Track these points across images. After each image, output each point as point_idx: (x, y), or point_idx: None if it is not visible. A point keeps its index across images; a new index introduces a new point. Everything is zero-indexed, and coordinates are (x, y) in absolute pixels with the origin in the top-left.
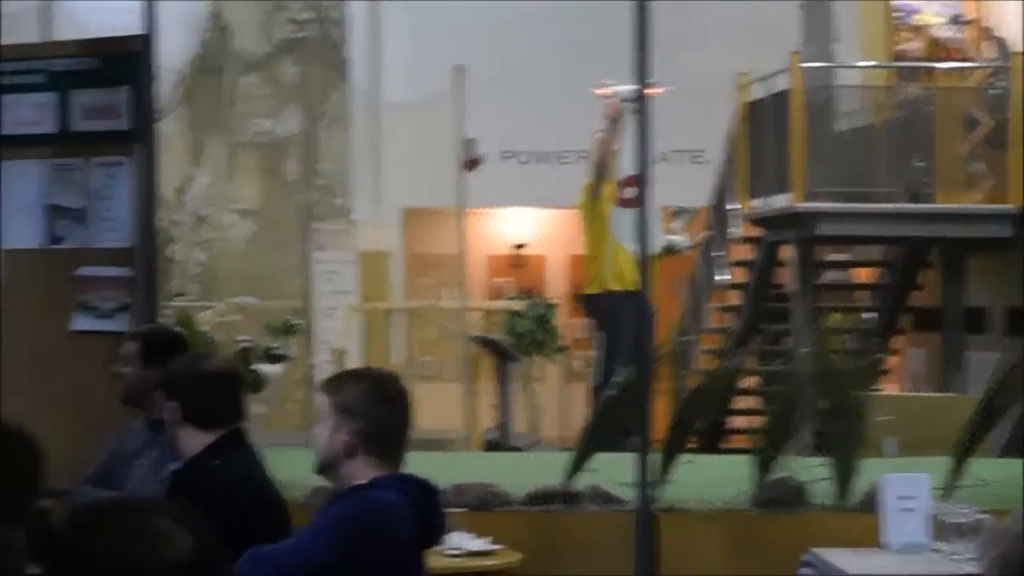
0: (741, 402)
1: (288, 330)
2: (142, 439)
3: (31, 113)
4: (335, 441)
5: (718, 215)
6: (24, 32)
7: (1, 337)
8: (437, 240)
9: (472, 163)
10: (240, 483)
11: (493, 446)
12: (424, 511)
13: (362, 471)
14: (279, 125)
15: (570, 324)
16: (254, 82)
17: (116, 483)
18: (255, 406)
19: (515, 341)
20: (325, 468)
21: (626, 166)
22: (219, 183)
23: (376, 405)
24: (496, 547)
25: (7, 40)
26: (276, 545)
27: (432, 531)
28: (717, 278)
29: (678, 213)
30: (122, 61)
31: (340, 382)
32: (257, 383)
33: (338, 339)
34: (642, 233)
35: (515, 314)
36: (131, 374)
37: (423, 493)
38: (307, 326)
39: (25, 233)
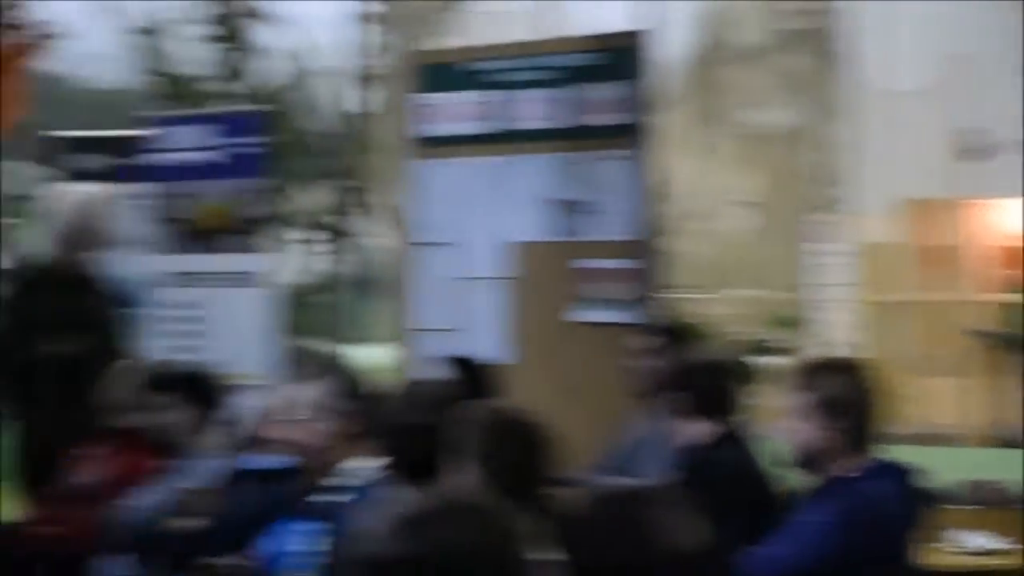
0: None
1: (789, 323)
2: (654, 430)
3: (540, 108)
4: (821, 437)
5: None
6: (513, 30)
7: (515, 328)
8: (942, 231)
9: (976, 152)
10: (735, 474)
11: (999, 442)
12: (910, 497)
13: (848, 463)
14: (777, 116)
15: None
16: (752, 74)
17: (628, 472)
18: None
19: (1020, 335)
20: (809, 463)
21: None
22: (718, 175)
23: (860, 398)
24: (1016, 547)
25: (496, 39)
26: (778, 542)
27: (916, 517)
28: None
29: None
30: (627, 56)
31: (818, 375)
32: (754, 375)
33: (835, 332)
34: None
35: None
36: (646, 366)
37: (907, 479)
38: (803, 318)
39: (534, 226)
